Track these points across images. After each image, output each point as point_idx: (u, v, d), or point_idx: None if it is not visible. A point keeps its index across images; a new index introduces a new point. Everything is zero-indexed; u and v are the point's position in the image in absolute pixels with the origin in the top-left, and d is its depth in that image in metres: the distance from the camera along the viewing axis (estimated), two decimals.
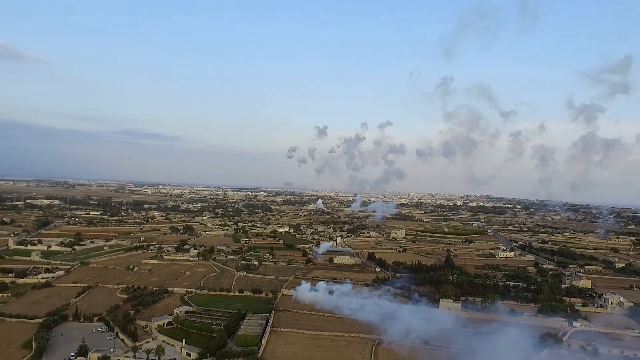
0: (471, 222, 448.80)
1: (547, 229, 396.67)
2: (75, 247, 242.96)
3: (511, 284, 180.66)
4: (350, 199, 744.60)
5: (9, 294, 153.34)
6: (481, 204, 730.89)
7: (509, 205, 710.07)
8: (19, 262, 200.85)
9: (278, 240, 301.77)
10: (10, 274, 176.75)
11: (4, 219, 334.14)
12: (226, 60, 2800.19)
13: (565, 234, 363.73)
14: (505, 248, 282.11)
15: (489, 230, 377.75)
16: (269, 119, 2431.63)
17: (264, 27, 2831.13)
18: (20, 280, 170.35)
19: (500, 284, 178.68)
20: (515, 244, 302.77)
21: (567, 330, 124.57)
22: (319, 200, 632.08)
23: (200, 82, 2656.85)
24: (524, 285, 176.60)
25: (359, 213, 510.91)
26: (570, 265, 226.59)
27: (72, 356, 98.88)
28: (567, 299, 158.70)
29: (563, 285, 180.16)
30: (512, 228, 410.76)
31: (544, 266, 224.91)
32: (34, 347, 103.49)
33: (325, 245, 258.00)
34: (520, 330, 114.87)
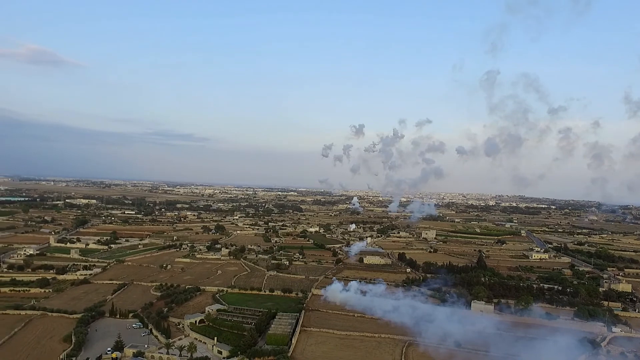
0: (504, 223, 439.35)
1: (584, 230, 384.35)
2: (112, 245, 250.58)
3: (546, 286, 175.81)
4: (380, 198, 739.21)
5: (51, 290, 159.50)
6: (514, 204, 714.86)
7: (543, 206, 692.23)
8: (59, 259, 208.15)
9: (308, 240, 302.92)
10: (51, 271, 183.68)
11: (45, 217, 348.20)
12: (257, 61, 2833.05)
13: (603, 235, 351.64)
14: (539, 249, 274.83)
15: (522, 231, 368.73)
16: (301, 119, 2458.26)
17: (296, 28, 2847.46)
18: (60, 277, 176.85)
19: (535, 286, 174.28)
20: (549, 246, 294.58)
21: (605, 335, 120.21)
22: (355, 198, 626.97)
23: (230, 83, 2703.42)
24: (560, 288, 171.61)
25: (395, 214, 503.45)
26: (608, 268, 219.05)
27: (108, 351, 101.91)
28: (606, 303, 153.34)
29: (601, 289, 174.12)
30: (547, 229, 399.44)
31: (581, 269, 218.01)
32: (73, 341, 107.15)
33: (360, 245, 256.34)
34: (557, 334, 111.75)
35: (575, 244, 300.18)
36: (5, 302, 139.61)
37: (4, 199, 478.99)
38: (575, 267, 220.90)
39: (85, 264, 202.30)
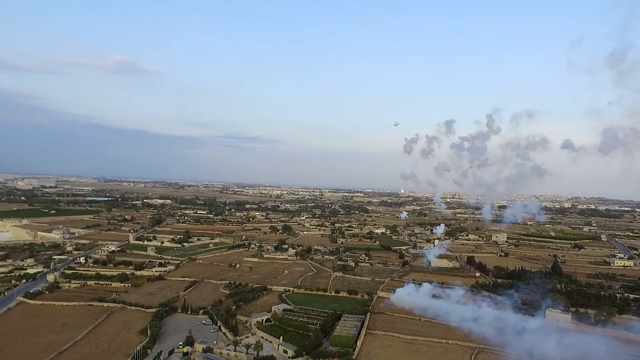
0: (581, 226, 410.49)
1: None
2: (184, 243, 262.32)
3: (631, 296, 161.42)
4: (464, 200, 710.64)
5: (129, 285, 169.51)
6: (592, 207, 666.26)
7: (627, 209, 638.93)
8: (137, 256, 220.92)
9: (374, 242, 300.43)
10: (130, 267, 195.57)
11: (126, 216, 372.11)
12: (323, 63, 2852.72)
13: None
14: (622, 256, 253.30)
15: (602, 236, 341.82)
16: (372, 119, 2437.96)
17: (364, 28, 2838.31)
18: (138, 273, 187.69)
19: (618, 295, 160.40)
20: (635, 252, 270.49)
21: None
22: (436, 194, 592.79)
23: (297, 85, 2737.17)
24: None
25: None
26: None
27: (180, 345, 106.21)
28: None
29: None
30: (631, 234, 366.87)
31: None
32: (149, 334, 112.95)
33: (435, 252, 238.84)
34: None
35: None
36: (91, 295, 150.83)
37: (90, 198, 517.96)
38: None
39: (160, 261, 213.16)
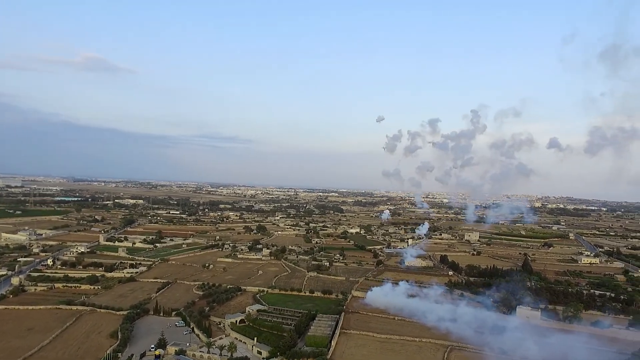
0: (550, 225, 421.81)
1: (638, 234, 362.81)
2: (157, 244, 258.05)
3: (597, 292, 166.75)
4: (445, 200, 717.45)
5: (99, 287, 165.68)
6: (561, 206, 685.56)
7: (593, 208, 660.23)
8: (107, 257, 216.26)
9: (349, 241, 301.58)
10: (100, 268, 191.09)
11: (96, 217, 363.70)
12: (300, 64, 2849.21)
13: None
14: (589, 253, 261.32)
15: (570, 234, 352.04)
16: (349, 119, 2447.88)
17: (340, 26, 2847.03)
18: (108, 274, 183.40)
19: (585, 292, 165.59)
20: (600, 250, 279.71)
21: None
22: (417, 194, 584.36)
23: (274, 85, 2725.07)
24: (612, 295, 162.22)
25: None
26: None
27: (152, 348, 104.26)
28: None
29: None
30: (597, 232, 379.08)
31: (636, 274, 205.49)
32: (119, 337, 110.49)
33: (412, 252, 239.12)
34: (610, 344, 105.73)
35: (629, 248, 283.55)
36: (59, 297, 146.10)
37: (59, 198, 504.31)
38: (630, 273, 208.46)
39: (132, 262, 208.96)
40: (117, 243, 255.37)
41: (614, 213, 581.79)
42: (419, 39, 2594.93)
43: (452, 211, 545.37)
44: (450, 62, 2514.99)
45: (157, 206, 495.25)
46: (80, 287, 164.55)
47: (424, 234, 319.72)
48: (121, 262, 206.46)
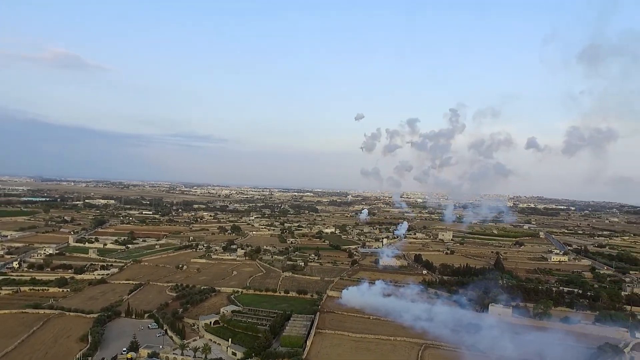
0: (521, 224, 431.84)
1: (605, 232, 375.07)
2: (129, 245, 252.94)
3: (565, 289, 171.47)
4: (419, 200, 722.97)
5: (69, 289, 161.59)
6: (532, 206, 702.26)
7: (562, 207, 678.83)
8: (77, 259, 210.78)
9: (324, 241, 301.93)
10: (70, 270, 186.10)
11: (65, 217, 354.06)
12: (276, 62, 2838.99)
13: (624, 237, 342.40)
14: (558, 251, 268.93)
15: (540, 233, 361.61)
16: (324, 119, 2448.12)
17: (316, 25, 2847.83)
18: (78, 277, 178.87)
19: (554, 289, 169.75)
20: (569, 248, 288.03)
21: (628, 341, 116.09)
22: (395, 194, 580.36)
23: (250, 84, 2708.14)
24: (580, 292, 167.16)
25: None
26: (631, 272, 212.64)
27: (124, 351, 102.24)
28: (629, 307, 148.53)
29: (623, 293, 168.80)
30: (566, 231, 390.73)
31: (602, 272, 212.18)
32: (89, 340, 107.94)
33: (389, 251, 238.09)
34: (578, 339, 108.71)
35: (595, 246, 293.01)
36: (25, 301, 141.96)
37: (26, 199, 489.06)
38: (596, 270, 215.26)
39: (103, 263, 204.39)
40: (87, 244, 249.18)
41: (582, 212, 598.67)
42: (398, 39, 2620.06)
43: (427, 211, 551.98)
44: (429, 63, 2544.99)
45: (129, 206, 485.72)
46: (48, 290, 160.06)
47: (403, 234, 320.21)
48: (92, 264, 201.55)
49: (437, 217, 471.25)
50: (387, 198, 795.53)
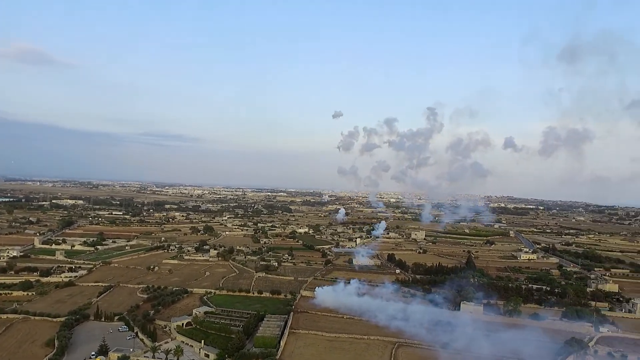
0: (492, 224, 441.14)
1: (571, 231, 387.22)
2: (98, 246, 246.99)
3: (534, 287, 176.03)
4: (392, 200, 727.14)
5: (34, 293, 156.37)
6: (502, 205, 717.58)
7: (531, 207, 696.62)
8: (43, 261, 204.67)
9: (297, 241, 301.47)
10: (35, 273, 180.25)
11: (30, 218, 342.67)
12: (249, 62, 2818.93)
13: (590, 235, 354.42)
14: (527, 250, 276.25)
15: (510, 232, 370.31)
16: (299, 119, 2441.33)
17: (292, 25, 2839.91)
18: (44, 279, 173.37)
19: (523, 286, 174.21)
20: (538, 246, 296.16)
21: (593, 335, 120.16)
22: (371, 194, 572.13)
23: (222, 83, 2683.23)
24: (548, 289, 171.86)
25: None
26: (595, 269, 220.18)
27: (92, 355, 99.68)
28: (593, 303, 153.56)
29: (588, 289, 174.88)
30: (535, 230, 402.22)
31: (568, 269, 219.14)
32: (56, 345, 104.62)
33: (363, 251, 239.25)
34: (545, 334, 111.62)
35: (563, 245, 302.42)
36: None
37: None
38: (563, 268, 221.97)
39: (71, 265, 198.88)
40: (54, 246, 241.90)
41: (550, 212, 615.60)
42: (376, 38, 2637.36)
43: (400, 210, 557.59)
44: (410, 62, 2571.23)
45: (98, 207, 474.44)
46: (11, 294, 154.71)
47: (380, 234, 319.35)
48: (59, 266, 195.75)
49: (410, 217, 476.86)
50: (360, 198, 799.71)
